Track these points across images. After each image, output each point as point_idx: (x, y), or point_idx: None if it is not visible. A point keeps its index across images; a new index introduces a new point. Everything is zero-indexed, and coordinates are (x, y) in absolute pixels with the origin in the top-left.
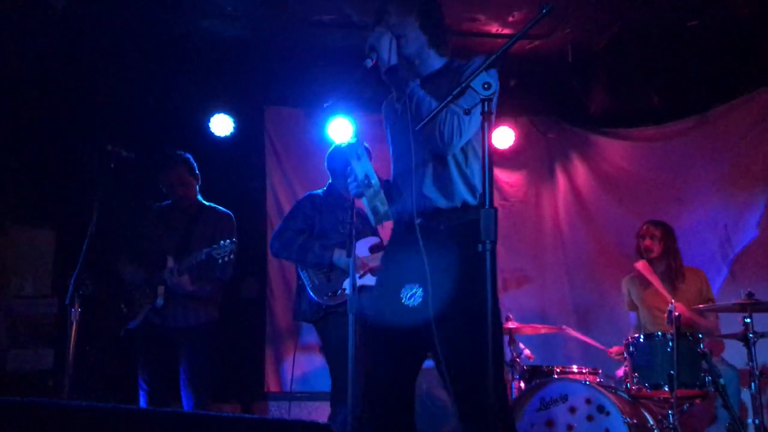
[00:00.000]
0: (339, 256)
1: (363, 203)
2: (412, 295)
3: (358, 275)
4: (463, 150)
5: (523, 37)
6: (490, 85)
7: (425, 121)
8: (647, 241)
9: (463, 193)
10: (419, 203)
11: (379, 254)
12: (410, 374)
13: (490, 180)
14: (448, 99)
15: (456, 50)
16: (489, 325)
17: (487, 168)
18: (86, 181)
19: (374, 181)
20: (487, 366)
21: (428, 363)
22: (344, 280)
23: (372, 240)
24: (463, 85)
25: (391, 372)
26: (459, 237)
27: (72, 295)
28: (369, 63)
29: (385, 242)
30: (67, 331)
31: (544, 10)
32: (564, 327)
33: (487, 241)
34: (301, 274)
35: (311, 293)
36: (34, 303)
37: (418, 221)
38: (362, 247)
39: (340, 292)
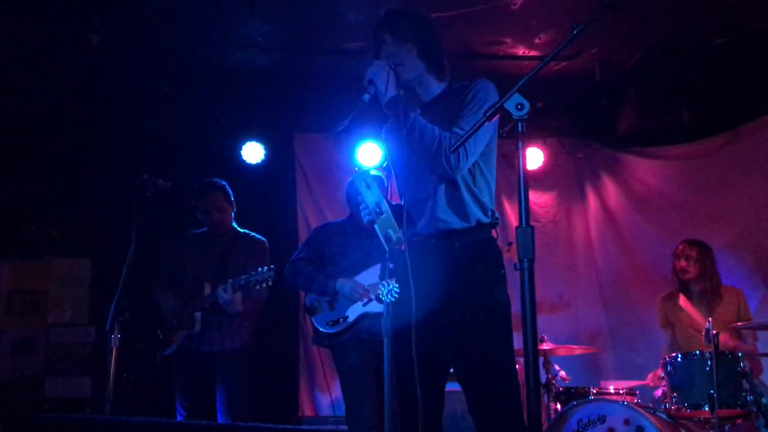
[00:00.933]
0: (342, 284)
1: (376, 230)
2: (389, 291)
3: (362, 303)
4: (470, 170)
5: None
6: (523, 106)
7: (458, 145)
8: (683, 262)
9: (476, 213)
10: (434, 226)
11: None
12: (438, 391)
13: (525, 199)
14: (482, 120)
15: (482, 73)
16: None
17: (522, 188)
18: (123, 211)
19: (384, 208)
20: (507, 387)
21: None
22: (347, 308)
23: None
24: (497, 105)
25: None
26: (475, 255)
27: (112, 322)
28: (367, 97)
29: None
30: (105, 357)
31: (575, 31)
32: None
33: (525, 260)
34: (306, 301)
35: (314, 321)
36: (72, 331)
37: (432, 242)
38: (372, 274)
39: (342, 320)
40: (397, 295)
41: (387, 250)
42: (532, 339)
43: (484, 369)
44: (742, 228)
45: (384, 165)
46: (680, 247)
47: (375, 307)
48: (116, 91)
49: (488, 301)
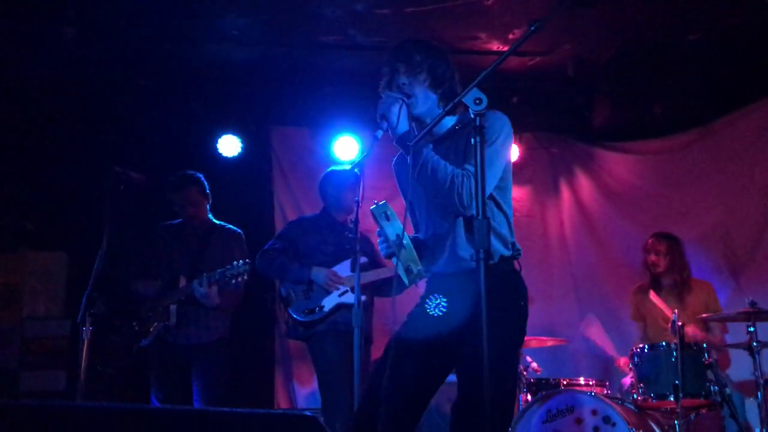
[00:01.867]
0: (317, 272)
1: (393, 262)
2: (437, 305)
3: (338, 292)
4: (488, 204)
5: (523, 54)
6: (481, 101)
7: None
8: (652, 257)
9: (499, 249)
10: (456, 265)
11: (365, 274)
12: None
13: (483, 192)
14: (439, 117)
15: (457, 68)
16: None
17: (479, 180)
18: (99, 204)
19: (406, 241)
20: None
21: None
22: (322, 299)
23: (359, 261)
24: (456, 101)
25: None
26: (495, 287)
27: (84, 314)
28: (380, 134)
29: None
30: (79, 351)
31: (532, 28)
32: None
33: (480, 251)
34: (281, 290)
35: (290, 309)
36: (47, 325)
37: (454, 281)
38: (347, 267)
39: (317, 309)
40: (445, 309)
41: (407, 284)
42: (485, 327)
43: (474, 376)
44: (712, 222)
45: (359, 161)
46: (649, 241)
47: (350, 298)
48: (91, 84)
49: (497, 321)
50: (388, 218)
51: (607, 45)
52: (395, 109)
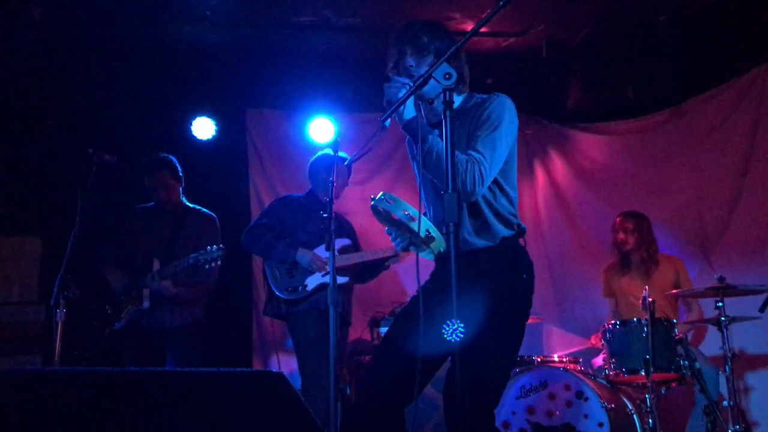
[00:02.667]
0: (302, 254)
1: (420, 255)
2: (454, 331)
3: (321, 273)
4: (490, 188)
5: (498, 35)
6: (450, 75)
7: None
8: (621, 235)
9: (501, 231)
10: (464, 245)
11: (347, 255)
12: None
13: (452, 166)
14: (409, 92)
15: None
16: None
17: (447, 155)
18: (71, 188)
19: (435, 233)
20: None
21: None
22: (306, 278)
23: (343, 241)
24: (423, 75)
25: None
26: (498, 265)
27: (57, 297)
28: (388, 122)
29: (352, 245)
30: (53, 334)
31: (501, 2)
32: (546, 328)
33: (451, 224)
34: (265, 268)
35: (273, 286)
36: (21, 310)
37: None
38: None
39: (300, 288)
40: (462, 335)
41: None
42: (455, 298)
43: (468, 355)
44: (683, 201)
45: (334, 141)
46: (617, 220)
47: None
48: (63, 66)
49: (497, 296)
50: (413, 218)
51: (580, 26)
52: (401, 95)
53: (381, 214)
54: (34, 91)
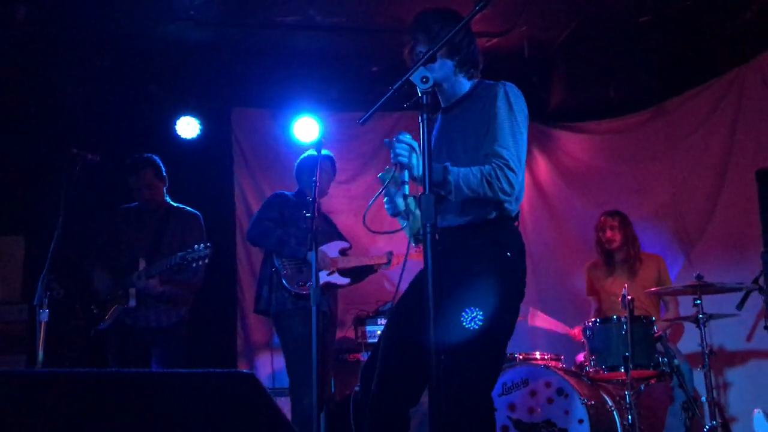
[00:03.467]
0: (312, 253)
1: (404, 227)
2: (473, 319)
3: (326, 272)
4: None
5: (480, 35)
6: (427, 79)
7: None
8: (608, 233)
9: (490, 211)
10: (449, 221)
11: (347, 257)
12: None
13: (429, 167)
14: (387, 95)
15: None
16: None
17: (425, 157)
18: (55, 187)
19: (416, 211)
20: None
21: None
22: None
23: (341, 244)
24: (402, 80)
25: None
26: (483, 240)
27: (40, 297)
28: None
29: (350, 248)
30: (36, 334)
31: (477, 7)
32: (531, 309)
33: (427, 225)
34: (275, 261)
35: (284, 281)
36: (4, 309)
37: (446, 233)
38: (333, 249)
39: (309, 283)
40: (481, 322)
41: (414, 246)
42: (433, 298)
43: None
44: (664, 200)
45: (319, 141)
46: (602, 219)
47: (336, 278)
48: (46, 65)
49: (476, 276)
50: (397, 187)
51: (562, 27)
52: (409, 155)
53: (381, 182)
54: (17, 90)
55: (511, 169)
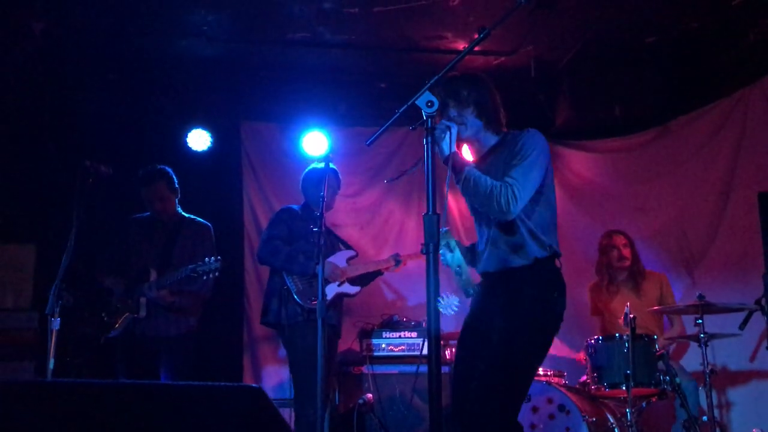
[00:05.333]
0: (320, 267)
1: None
2: (449, 305)
3: (337, 283)
4: (527, 211)
5: (488, 54)
6: (432, 104)
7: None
8: (623, 251)
9: (534, 251)
10: (497, 265)
11: (356, 265)
12: None
13: (433, 189)
14: (393, 118)
15: (424, 66)
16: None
17: (430, 179)
18: (66, 197)
19: (464, 269)
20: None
21: (402, 368)
22: (325, 287)
23: (348, 253)
24: (408, 103)
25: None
26: (528, 283)
27: (52, 306)
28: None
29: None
30: (47, 342)
31: (481, 35)
32: None
33: (430, 244)
34: (286, 279)
35: (296, 297)
36: (14, 317)
37: (493, 278)
38: (341, 259)
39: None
40: (456, 309)
41: (466, 297)
42: (434, 315)
43: (480, 365)
44: (668, 219)
45: (327, 155)
46: (614, 237)
47: (347, 288)
48: (60, 78)
49: (515, 313)
50: (451, 250)
51: (568, 46)
52: (446, 137)
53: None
54: (32, 103)
55: (516, 191)
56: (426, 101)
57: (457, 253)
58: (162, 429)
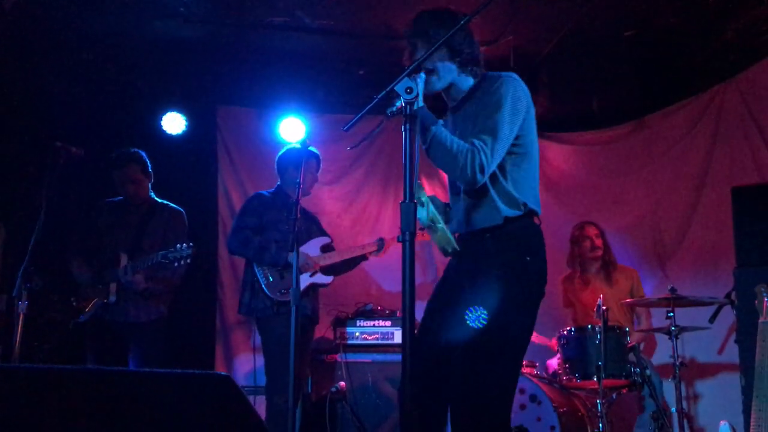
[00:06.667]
0: (294, 256)
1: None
2: (477, 318)
3: (308, 273)
4: (499, 167)
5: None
6: (411, 90)
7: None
8: (596, 241)
9: (504, 210)
10: (466, 225)
11: (330, 254)
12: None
13: (411, 176)
14: (372, 104)
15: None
16: (407, 314)
17: (407, 166)
18: (35, 178)
19: (440, 226)
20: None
21: (375, 357)
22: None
23: (322, 240)
24: (387, 89)
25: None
26: (504, 245)
27: (20, 288)
28: (393, 110)
29: (332, 243)
30: (14, 325)
31: (462, 21)
32: None
33: (407, 233)
34: (256, 271)
35: (266, 289)
36: None
37: (465, 239)
38: (314, 247)
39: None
40: (486, 321)
41: (445, 255)
42: (410, 304)
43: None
44: (642, 212)
45: (304, 140)
46: (586, 228)
47: (319, 278)
48: (32, 56)
49: (498, 278)
50: (422, 203)
51: (548, 38)
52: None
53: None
54: (2, 81)
55: (484, 157)
56: (405, 87)
57: (431, 208)
58: (130, 416)
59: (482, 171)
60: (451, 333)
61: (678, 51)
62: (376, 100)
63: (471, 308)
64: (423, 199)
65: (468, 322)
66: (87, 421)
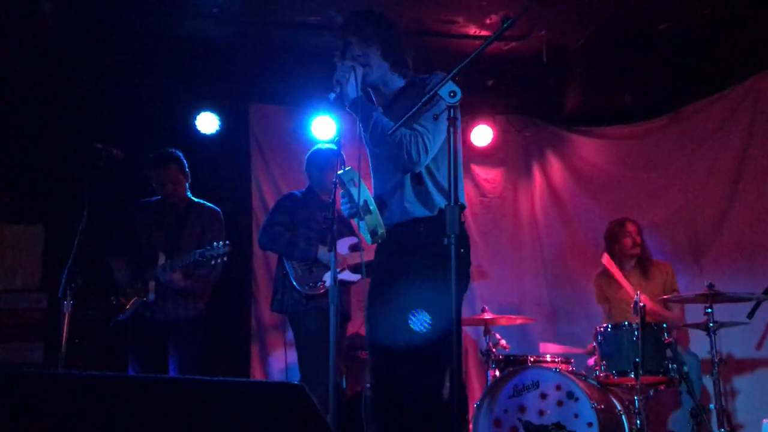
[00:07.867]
0: (323, 252)
1: (360, 226)
2: (420, 322)
3: (338, 270)
4: (434, 160)
5: (500, 39)
6: (455, 93)
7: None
8: (637, 239)
9: (439, 202)
10: (401, 216)
11: (358, 253)
12: None
13: (454, 178)
14: (417, 106)
15: (434, 51)
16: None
17: (452, 167)
18: (76, 179)
19: (373, 207)
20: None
21: None
22: (325, 273)
23: (351, 240)
24: (431, 93)
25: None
26: (432, 237)
27: (64, 288)
28: (332, 96)
29: (360, 243)
30: (58, 324)
31: (505, 25)
32: (540, 343)
33: (452, 235)
34: (286, 264)
35: (294, 282)
36: (23, 297)
37: (399, 229)
38: (342, 246)
39: (320, 284)
40: (429, 325)
41: (370, 243)
42: (456, 308)
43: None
44: (677, 206)
45: (337, 139)
46: (627, 225)
47: (347, 275)
48: (69, 59)
49: (420, 275)
50: (355, 184)
51: (580, 32)
52: (350, 77)
53: (341, 182)
54: (41, 84)
55: (426, 140)
56: (449, 91)
57: (364, 188)
58: (202, 426)
59: (426, 152)
60: (398, 336)
61: (712, 42)
62: (419, 105)
63: (413, 312)
64: (356, 178)
65: (413, 327)
66: (154, 430)
